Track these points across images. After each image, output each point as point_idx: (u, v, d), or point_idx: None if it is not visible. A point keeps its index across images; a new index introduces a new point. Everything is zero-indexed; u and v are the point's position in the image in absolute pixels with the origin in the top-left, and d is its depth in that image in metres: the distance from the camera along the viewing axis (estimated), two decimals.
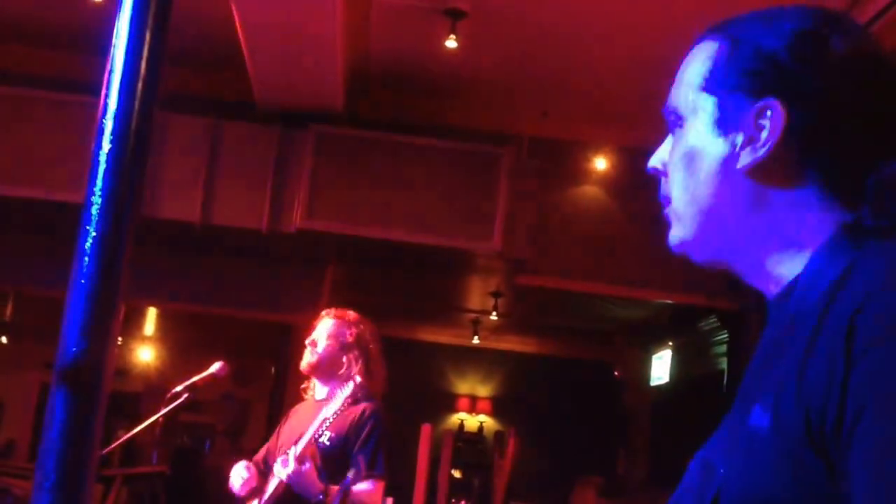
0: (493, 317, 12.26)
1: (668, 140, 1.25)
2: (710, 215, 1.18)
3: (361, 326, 4.24)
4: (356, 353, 4.15)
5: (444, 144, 8.35)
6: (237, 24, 6.93)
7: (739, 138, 1.15)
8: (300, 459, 3.75)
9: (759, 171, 1.14)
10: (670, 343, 11.62)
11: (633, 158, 8.86)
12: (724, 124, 1.16)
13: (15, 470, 9.18)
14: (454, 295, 12.24)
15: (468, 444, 14.82)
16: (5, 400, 13.52)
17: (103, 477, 7.76)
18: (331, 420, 3.79)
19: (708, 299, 8.95)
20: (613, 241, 8.89)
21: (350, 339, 4.17)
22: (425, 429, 6.73)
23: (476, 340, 14.46)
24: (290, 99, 8.14)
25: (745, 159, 1.14)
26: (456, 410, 15.82)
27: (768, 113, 1.12)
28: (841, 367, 0.95)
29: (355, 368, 4.10)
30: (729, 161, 1.16)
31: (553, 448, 13.83)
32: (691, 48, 1.24)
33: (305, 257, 9.06)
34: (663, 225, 1.24)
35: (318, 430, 3.78)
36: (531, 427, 13.11)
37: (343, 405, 3.79)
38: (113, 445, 4.34)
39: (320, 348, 4.15)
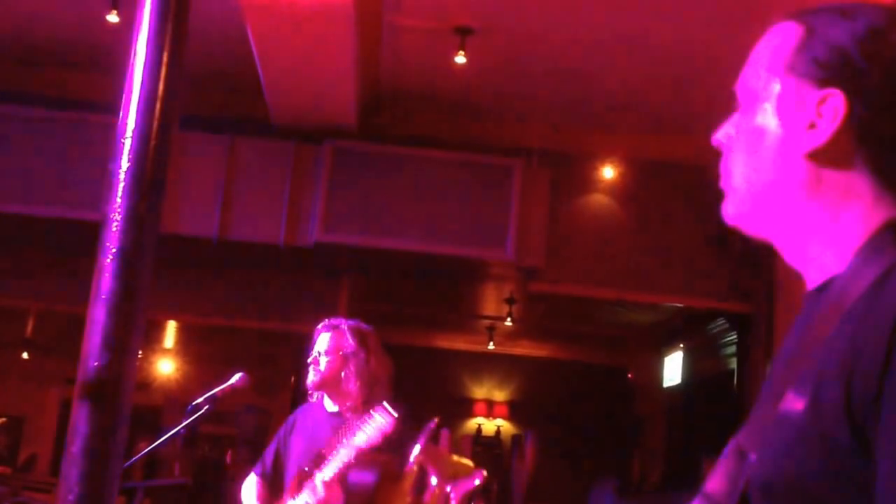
0: (508, 323, 12.30)
1: (736, 116, 1.29)
2: (766, 194, 1.23)
3: (359, 334, 4.10)
4: (354, 364, 4.01)
5: (457, 157, 8.38)
6: (252, 44, 7.01)
7: (802, 123, 1.20)
8: (329, 486, 3.67)
9: (816, 156, 1.19)
10: (681, 345, 11.66)
11: (640, 167, 8.92)
12: (789, 108, 1.21)
13: (37, 484, 9.26)
14: (469, 303, 12.28)
15: (486, 448, 14.83)
16: (27, 415, 13.60)
17: (126, 489, 7.82)
18: (364, 450, 3.66)
19: (717, 302, 8.99)
20: (623, 247, 8.93)
21: (348, 349, 4.03)
22: (443, 433, 6.78)
23: (491, 346, 14.49)
24: (304, 116, 8.20)
25: (804, 143, 1.19)
26: (473, 415, 15.85)
27: (830, 102, 1.17)
28: (884, 352, 1.00)
29: (353, 381, 3.98)
30: (790, 143, 1.21)
31: (568, 451, 13.84)
32: (769, 29, 1.29)
33: (322, 269, 9.12)
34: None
35: (349, 460, 3.67)
36: (547, 430, 13.12)
37: (378, 440, 3.66)
38: (135, 458, 4.39)
39: (322, 366, 4.03)
